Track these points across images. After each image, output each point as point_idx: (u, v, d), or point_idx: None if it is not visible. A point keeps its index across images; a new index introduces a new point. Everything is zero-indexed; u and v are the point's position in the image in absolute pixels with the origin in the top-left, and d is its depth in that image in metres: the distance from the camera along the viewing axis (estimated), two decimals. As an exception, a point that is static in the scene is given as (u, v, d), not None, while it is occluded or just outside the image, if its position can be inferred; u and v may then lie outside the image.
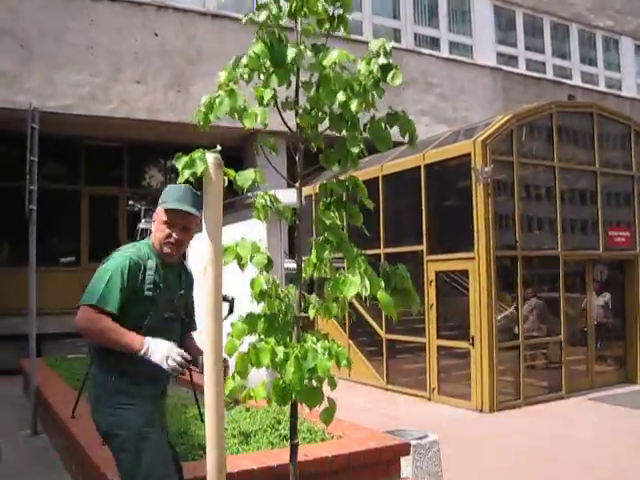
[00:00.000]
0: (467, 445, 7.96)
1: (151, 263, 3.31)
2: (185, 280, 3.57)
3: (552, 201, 11.18)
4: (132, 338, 3.10)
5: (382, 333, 11.81)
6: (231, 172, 2.90)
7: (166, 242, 3.33)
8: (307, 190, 10.94)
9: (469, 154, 10.19)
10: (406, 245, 11.52)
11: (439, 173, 11.18)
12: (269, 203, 3.07)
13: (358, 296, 2.95)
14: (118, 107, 13.80)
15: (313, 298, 3.11)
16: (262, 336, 3.05)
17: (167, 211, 3.31)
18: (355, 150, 3.07)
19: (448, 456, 5.99)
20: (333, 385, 2.89)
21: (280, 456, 4.66)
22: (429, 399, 10.77)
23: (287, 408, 5.72)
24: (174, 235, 3.31)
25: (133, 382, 3.25)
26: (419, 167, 11.09)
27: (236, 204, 9.05)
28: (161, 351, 3.04)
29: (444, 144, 11.16)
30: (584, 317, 12.00)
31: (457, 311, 11.10)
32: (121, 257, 3.27)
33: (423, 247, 10.79)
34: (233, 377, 2.98)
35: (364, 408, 9.30)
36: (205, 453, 4.75)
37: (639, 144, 12.37)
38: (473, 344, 10.09)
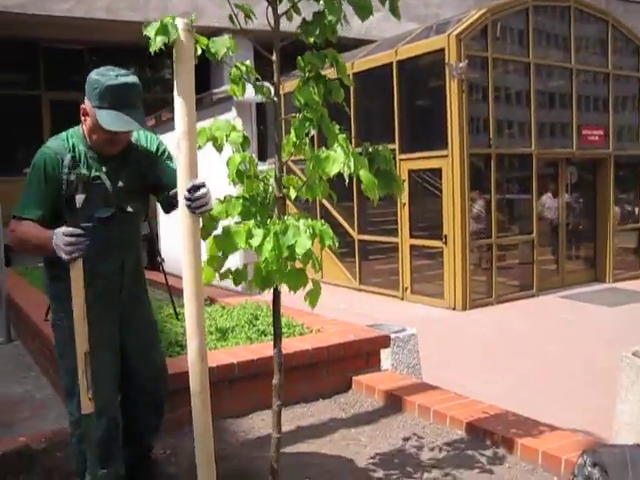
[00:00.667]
0: (441, 341, 8.03)
1: (69, 159, 2.88)
2: (132, 162, 3.06)
3: (526, 101, 11.00)
4: (45, 236, 2.72)
5: (354, 234, 11.76)
6: (203, 40, 2.66)
7: (105, 145, 2.92)
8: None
9: (443, 49, 9.90)
10: (378, 144, 11.29)
11: (412, 70, 10.88)
12: (245, 75, 2.85)
13: (339, 177, 2.79)
14: (75, 6, 13.14)
15: (294, 177, 2.94)
16: (239, 219, 2.88)
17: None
18: (334, 19, 2.84)
19: (423, 351, 6.01)
20: (318, 267, 2.75)
21: (259, 350, 4.60)
22: (402, 299, 10.83)
23: (264, 306, 5.68)
24: (116, 139, 2.90)
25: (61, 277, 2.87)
26: (391, 64, 10.77)
27: (204, 101, 8.76)
28: (55, 242, 2.65)
29: (417, 40, 10.82)
30: (557, 217, 12.03)
31: (430, 211, 11.04)
32: (38, 155, 2.93)
33: (395, 146, 10.59)
34: (207, 263, 2.81)
35: (338, 308, 9.29)
36: (182, 349, 4.73)
37: (616, 41, 12.14)
38: (446, 243, 10.08)
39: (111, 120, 2.76)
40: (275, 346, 2.98)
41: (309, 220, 2.67)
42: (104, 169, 2.97)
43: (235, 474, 3.57)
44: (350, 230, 11.82)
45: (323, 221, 2.71)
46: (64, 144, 2.93)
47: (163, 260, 5.66)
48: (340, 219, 11.89)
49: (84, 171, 2.89)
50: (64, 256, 2.60)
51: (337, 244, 2.71)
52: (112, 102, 2.76)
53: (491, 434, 3.79)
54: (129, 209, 3.04)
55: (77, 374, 2.74)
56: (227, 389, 4.35)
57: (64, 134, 3.01)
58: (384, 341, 4.97)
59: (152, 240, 7.84)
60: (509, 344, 7.98)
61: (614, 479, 2.95)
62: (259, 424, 4.26)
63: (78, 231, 2.61)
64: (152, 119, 11.32)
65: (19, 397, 5.62)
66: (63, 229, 2.63)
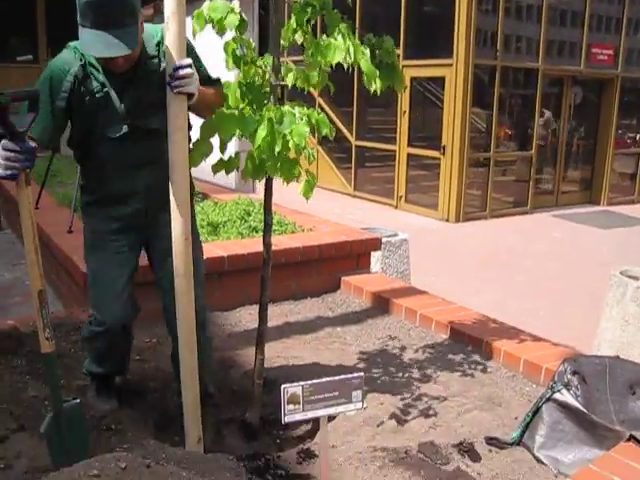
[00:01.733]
0: (432, 250, 8.05)
1: (78, 68, 2.55)
2: (148, 74, 2.63)
3: (537, 17, 10.68)
4: None
5: (352, 140, 11.62)
6: None
7: (105, 64, 2.56)
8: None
9: (456, -48, 9.52)
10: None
11: (422, -28, 10.51)
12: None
13: (339, 67, 2.70)
14: None
15: (292, 65, 2.83)
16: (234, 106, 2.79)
17: None
18: None
19: (413, 259, 6.03)
20: (311, 158, 2.69)
21: (250, 245, 4.58)
22: (396, 207, 10.81)
23: (257, 203, 5.63)
24: (111, 61, 2.50)
25: (93, 200, 2.86)
26: (401, -36, 10.39)
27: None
28: None
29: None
30: (557, 137, 11.89)
31: (430, 121, 10.89)
32: (46, 68, 2.61)
33: (399, 51, 10.33)
34: (196, 145, 2.73)
35: (331, 213, 9.26)
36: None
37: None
38: (444, 153, 9.97)
39: (90, 42, 2.37)
40: (265, 235, 2.94)
41: (305, 109, 2.59)
42: (113, 84, 2.60)
43: (220, 364, 3.60)
44: (348, 135, 11.68)
45: (319, 110, 2.63)
46: (74, 54, 2.58)
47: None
48: (339, 124, 11.72)
49: (96, 84, 2.58)
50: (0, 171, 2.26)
51: (334, 134, 2.65)
52: (93, 20, 2.33)
53: (474, 340, 3.82)
54: (146, 126, 2.66)
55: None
56: (216, 282, 4.35)
57: (74, 43, 2.60)
58: (375, 243, 4.96)
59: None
60: (500, 258, 8.02)
61: (592, 387, 2.99)
62: (246, 318, 4.28)
63: (16, 148, 2.24)
64: (150, 8, 10.95)
65: (10, 283, 5.64)
66: (4, 142, 2.26)
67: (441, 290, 4.79)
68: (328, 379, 2.08)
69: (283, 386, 2.00)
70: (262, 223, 5.08)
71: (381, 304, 4.44)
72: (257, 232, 5.01)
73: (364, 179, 11.83)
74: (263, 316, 3.03)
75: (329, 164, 11.99)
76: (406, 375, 3.51)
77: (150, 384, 3.29)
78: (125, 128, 2.65)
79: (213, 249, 4.44)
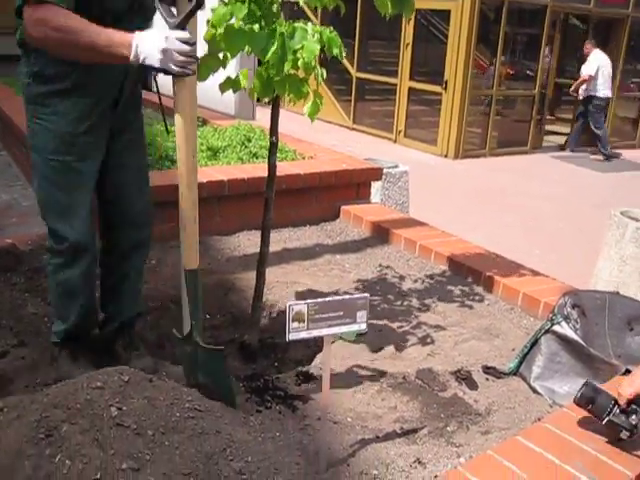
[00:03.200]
0: (430, 185, 8.01)
1: None
2: None
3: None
4: (114, 36, 2.09)
5: (353, 72, 11.42)
6: None
7: None
8: None
9: None
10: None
11: None
12: None
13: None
14: None
15: (304, -19, 2.73)
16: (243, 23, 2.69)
17: None
18: None
19: (411, 193, 5.98)
20: (320, 78, 2.61)
21: (250, 170, 4.52)
22: (394, 141, 10.71)
23: (257, 129, 5.55)
24: None
25: (59, 90, 2.33)
26: None
27: None
28: (155, 44, 2.04)
29: None
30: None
31: (433, 55, 10.69)
32: None
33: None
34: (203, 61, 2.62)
35: (329, 145, 9.13)
36: (172, 163, 4.64)
37: None
38: (446, 89, 9.82)
39: None
40: (271, 156, 2.88)
41: (317, 27, 2.51)
42: None
43: (218, 287, 3.59)
44: (349, 67, 11.47)
45: (332, 28, 2.54)
46: None
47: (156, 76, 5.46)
48: (340, 55, 11.47)
49: None
50: (174, 68, 2.08)
51: (344, 54, 2.57)
52: None
53: (474, 272, 3.81)
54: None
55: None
56: (216, 206, 4.31)
57: None
58: (376, 173, 4.90)
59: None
60: (498, 195, 7.99)
61: (591, 321, 3.00)
62: (245, 242, 4.25)
63: (194, 39, 2.10)
64: None
65: (6, 204, 5.58)
66: (176, 33, 2.06)
67: (438, 225, 4.76)
68: (333, 298, 2.05)
69: (289, 303, 1.98)
70: (262, 149, 5.04)
71: (380, 234, 4.41)
72: (257, 158, 4.94)
73: (363, 112, 11.67)
74: (266, 238, 2.99)
75: (328, 96, 11.80)
76: (405, 304, 3.51)
77: (149, 304, 3.28)
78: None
79: (213, 173, 4.38)
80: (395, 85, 10.65)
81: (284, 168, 4.58)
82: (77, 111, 2.37)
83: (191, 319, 2.40)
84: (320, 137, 9.56)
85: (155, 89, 2.65)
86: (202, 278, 2.55)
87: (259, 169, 4.49)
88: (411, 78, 10.43)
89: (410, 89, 10.49)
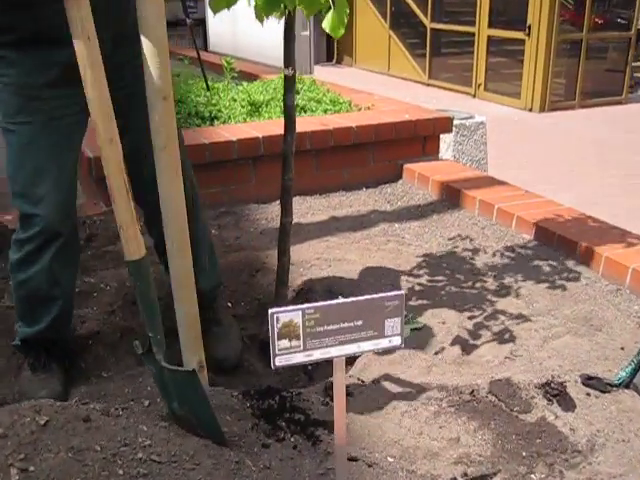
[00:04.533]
0: (513, 142, 7.05)
1: None
2: None
3: None
4: None
5: (427, 22, 10.40)
6: None
7: None
8: None
9: None
10: None
11: None
12: None
13: None
14: None
15: None
16: None
17: None
18: None
19: (492, 150, 5.08)
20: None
21: (292, 124, 3.75)
22: (474, 96, 9.69)
23: (309, 80, 4.76)
24: None
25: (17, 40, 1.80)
26: None
27: None
28: None
29: None
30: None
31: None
32: None
33: None
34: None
35: (402, 101, 8.30)
36: (202, 121, 3.93)
37: None
38: (529, 35, 8.73)
39: None
40: (287, 94, 2.11)
41: None
42: None
43: (245, 266, 2.87)
44: (422, 18, 10.46)
45: None
46: None
47: (189, 18, 4.76)
48: (412, 5, 10.51)
49: None
50: None
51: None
52: None
53: (567, 242, 2.95)
54: None
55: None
56: (250, 169, 3.58)
57: None
58: (445, 124, 4.04)
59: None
60: (591, 151, 6.93)
61: None
62: (286, 211, 3.51)
63: None
64: None
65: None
66: None
67: (523, 185, 3.89)
68: (347, 300, 1.28)
69: (271, 311, 1.22)
70: (312, 102, 4.26)
71: (450, 196, 3.58)
72: (305, 112, 4.17)
73: (439, 66, 10.66)
74: (286, 204, 2.24)
75: (402, 50, 10.86)
76: (477, 285, 2.70)
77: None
78: None
79: (247, 130, 3.64)
80: (473, 34, 9.60)
81: (332, 121, 3.80)
82: (35, 58, 1.80)
83: (147, 330, 1.67)
84: (392, 94, 8.68)
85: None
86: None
87: (304, 123, 3.73)
88: (490, 25, 9.36)
89: (489, 38, 9.42)
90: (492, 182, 3.67)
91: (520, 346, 2.27)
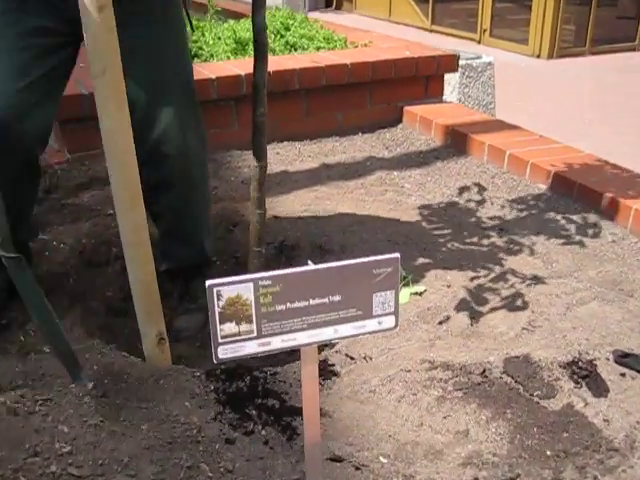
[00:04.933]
0: (522, 89, 6.58)
1: None
2: None
3: None
4: None
5: (431, -36, 9.83)
6: None
7: None
8: None
9: None
10: None
11: None
12: None
13: None
14: None
15: None
16: None
17: None
18: None
19: (500, 97, 4.64)
20: None
21: (279, 61, 3.34)
22: (479, 42, 9.16)
23: (301, 15, 4.31)
24: None
25: None
26: None
27: None
28: None
29: None
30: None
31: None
32: None
33: None
34: None
35: (403, 46, 7.80)
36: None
37: None
38: (539, -24, 8.18)
39: None
40: (255, 12, 1.72)
41: None
42: None
43: (222, 220, 2.50)
44: (426, -41, 9.87)
45: None
46: None
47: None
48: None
49: None
50: None
51: None
52: None
53: (589, 192, 2.57)
54: None
55: None
56: (232, 111, 3.17)
57: None
58: (450, 63, 3.60)
59: None
60: (603, 97, 6.48)
61: None
62: (271, 158, 3.11)
63: None
64: None
65: None
66: None
67: (534, 130, 3.49)
68: (318, 267, 0.90)
69: (209, 283, 0.84)
70: (304, 39, 3.82)
71: (456, 141, 3.18)
72: (296, 50, 3.74)
73: (443, 11, 10.11)
74: (258, 144, 1.86)
75: (404, -6, 10.29)
76: (486, 242, 2.32)
77: (110, 250, 2.21)
78: None
79: (229, 67, 3.23)
80: (479, -25, 9.04)
81: (325, 58, 3.38)
82: None
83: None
84: (393, 39, 8.20)
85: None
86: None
87: (292, 60, 3.31)
88: (498, -33, 8.80)
89: (497, -20, 8.87)
90: (502, 126, 3.26)
91: (539, 315, 1.90)
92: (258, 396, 1.56)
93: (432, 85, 3.59)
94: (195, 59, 3.50)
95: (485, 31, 9.13)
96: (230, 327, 0.86)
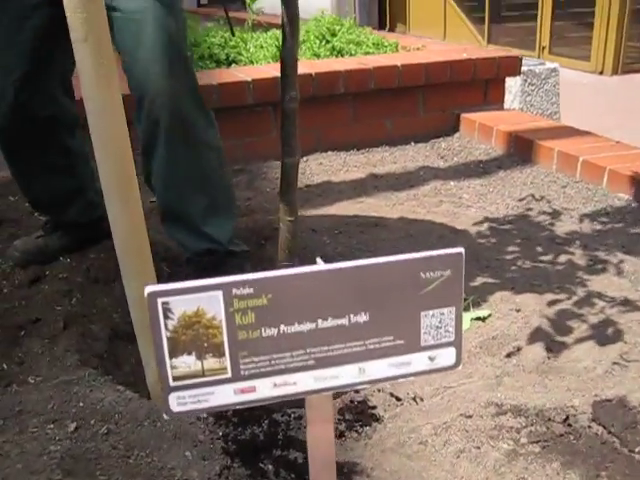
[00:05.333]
0: (585, 105, 6.14)
1: None
2: None
3: None
4: None
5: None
6: None
7: None
8: None
9: None
10: None
11: None
12: None
13: None
14: None
15: None
16: None
17: None
18: None
19: (563, 111, 4.24)
20: None
21: (325, 65, 3.03)
22: (538, 57, 8.76)
23: (349, 22, 4.02)
24: None
25: None
26: None
27: None
28: None
29: None
30: None
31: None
32: None
33: None
34: None
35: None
36: (217, 65, 3.24)
37: None
38: (602, -10, 7.75)
39: None
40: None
41: None
42: None
43: (252, 235, 2.17)
44: (482, -21, 9.53)
45: None
46: None
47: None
48: (471, -36, 9.59)
49: None
50: None
51: None
52: None
53: (680, 203, 2.16)
54: None
55: None
56: (271, 118, 2.87)
57: None
58: (512, 66, 3.24)
59: None
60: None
61: None
62: (314, 169, 2.80)
63: None
64: None
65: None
66: None
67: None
68: (333, 267, 0.55)
69: (149, 290, 0.50)
70: (351, 45, 3.52)
71: (520, 149, 2.80)
72: (342, 55, 3.43)
73: (499, 30, 9.70)
74: (290, 139, 1.53)
75: (459, 15, 9.93)
76: (562, 259, 1.94)
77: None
78: None
79: (266, 70, 2.94)
80: (537, -7, 8.64)
81: (373, 60, 3.06)
82: None
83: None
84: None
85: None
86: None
87: (338, 62, 3.01)
88: (557, -19, 8.39)
89: (556, -4, 8.45)
90: (572, 132, 2.88)
91: (633, 346, 1.51)
92: (277, 446, 1.22)
93: (492, 90, 3.23)
94: (233, 65, 3.23)
95: (544, 48, 8.70)
96: (188, 362, 0.53)
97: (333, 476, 0.62)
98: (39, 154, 1.79)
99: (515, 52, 4.05)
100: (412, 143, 3.06)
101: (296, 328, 0.55)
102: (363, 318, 0.56)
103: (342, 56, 3.43)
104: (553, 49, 8.64)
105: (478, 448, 1.21)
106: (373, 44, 3.57)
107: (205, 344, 0.53)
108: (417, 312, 0.57)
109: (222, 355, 0.54)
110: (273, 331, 0.54)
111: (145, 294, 0.51)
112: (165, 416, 0.55)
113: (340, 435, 1.26)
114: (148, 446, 1.21)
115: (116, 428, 1.26)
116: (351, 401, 1.34)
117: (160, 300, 0.52)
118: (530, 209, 2.31)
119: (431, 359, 0.59)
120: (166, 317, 0.52)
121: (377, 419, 1.30)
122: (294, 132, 1.54)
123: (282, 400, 0.56)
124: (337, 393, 1.48)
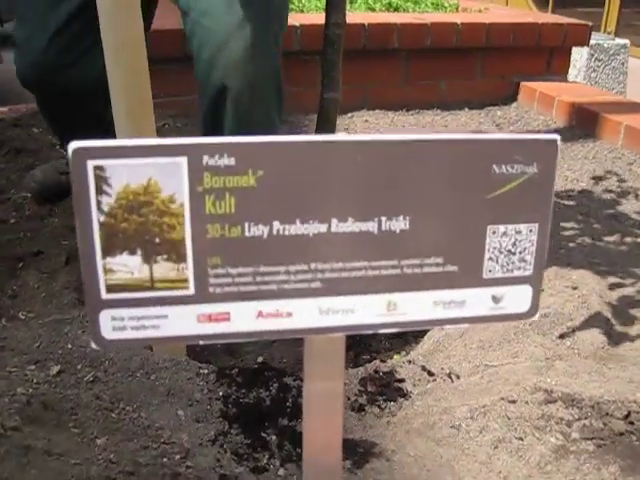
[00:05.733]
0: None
1: None
2: None
3: None
4: None
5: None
6: None
7: None
8: None
9: None
10: None
11: None
12: None
13: None
14: None
15: None
16: None
17: None
18: None
19: (629, 92, 3.96)
20: None
21: (378, 16, 2.82)
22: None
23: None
24: None
25: None
26: None
27: None
28: None
29: None
30: None
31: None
32: None
33: None
34: None
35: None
36: None
37: None
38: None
39: None
40: None
41: None
42: None
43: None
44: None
45: None
46: None
47: None
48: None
49: None
50: None
51: None
52: None
53: None
54: None
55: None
56: (319, 68, 2.65)
57: None
58: (581, 34, 2.97)
59: None
60: None
61: None
62: (360, 126, 2.60)
63: None
64: None
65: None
66: None
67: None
68: (360, 137, 0.35)
69: (74, 144, 0.32)
70: (408, 2, 3.30)
71: (583, 122, 2.56)
72: (397, 11, 3.20)
73: (563, 14, 9.32)
74: (332, 72, 1.35)
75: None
76: (627, 240, 1.72)
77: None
78: None
79: (317, 16, 2.73)
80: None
81: (429, 16, 2.83)
82: None
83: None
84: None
85: None
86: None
87: (393, 15, 2.79)
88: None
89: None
90: (642, 108, 2.62)
91: None
92: (284, 414, 1.04)
93: (556, 60, 2.97)
94: (281, 13, 3.02)
95: (610, 33, 8.32)
96: (130, 265, 0.34)
97: (338, 465, 0.43)
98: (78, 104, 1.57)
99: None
100: (466, 109, 2.83)
101: (297, 229, 0.36)
102: (400, 225, 0.37)
103: (397, 10, 3.21)
104: (619, 36, 8.25)
105: (521, 439, 1.01)
106: (432, 4, 3.33)
107: (157, 239, 0.34)
108: (482, 225, 0.38)
109: (182, 259, 0.35)
110: (262, 230, 0.35)
111: (69, 152, 0.33)
112: (93, 345, 0.37)
113: (359, 408, 1.07)
114: (136, 400, 1.04)
115: (104, 376, 1.10)
116: (375, 371, 1.15)
117: (91, 163, 0.33)
118: (593, 185, 2.08)
119: (495, 300, 0.40)
120: (99, 191, 0.33)
121: (404, 394, 1.12)
122: (337, 62, 1.36)
123: (268, 338, 0.37)
124: (360, 359, 1.29)
